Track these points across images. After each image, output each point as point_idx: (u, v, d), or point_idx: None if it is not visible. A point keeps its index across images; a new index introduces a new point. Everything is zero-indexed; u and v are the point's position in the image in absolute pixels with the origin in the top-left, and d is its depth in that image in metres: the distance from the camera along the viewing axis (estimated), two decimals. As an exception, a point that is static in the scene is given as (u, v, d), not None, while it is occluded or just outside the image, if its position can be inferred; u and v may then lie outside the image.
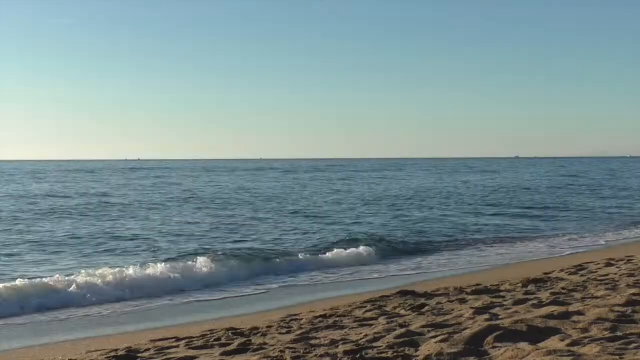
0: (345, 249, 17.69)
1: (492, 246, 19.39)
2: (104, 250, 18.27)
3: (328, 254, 17.00)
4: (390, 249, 18.49)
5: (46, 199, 37.94)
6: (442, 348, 6.02)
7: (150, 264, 14.49)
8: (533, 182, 57.31)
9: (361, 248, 17.77)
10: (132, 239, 20.28)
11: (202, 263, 14.86)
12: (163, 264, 14.51)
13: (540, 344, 6.02)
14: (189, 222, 25.25)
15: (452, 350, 5.95)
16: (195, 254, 16.02)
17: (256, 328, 8.36)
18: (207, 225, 24.09)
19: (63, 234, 21.36)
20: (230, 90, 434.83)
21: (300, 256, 16.63)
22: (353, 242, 18.87)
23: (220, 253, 16.14)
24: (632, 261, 13.23)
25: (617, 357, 5.43)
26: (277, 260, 16.06)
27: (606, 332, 6.32)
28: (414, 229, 23.12)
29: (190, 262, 14.91)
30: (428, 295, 10.19)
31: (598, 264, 13.23)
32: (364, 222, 25.62)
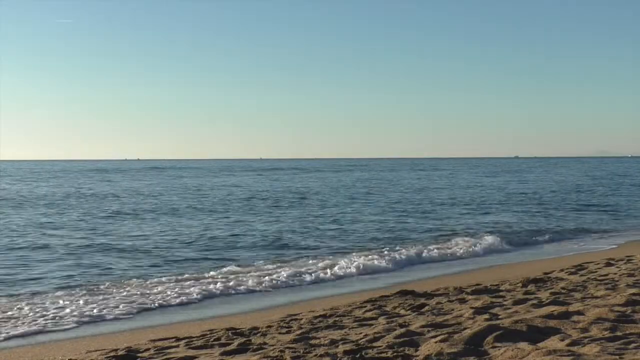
0: (474, 238, 19.72)
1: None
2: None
3: (462, 244, 18.62)
4: (517, 239, 20.03)
5: (146, 198, 39.69)
6: (442, 348, 6.01)
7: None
8: (588, 182, 58.67)
9: (490, 238, 19.56)
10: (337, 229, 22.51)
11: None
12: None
13: (540, 344, 6.02)
14: (338, 219, 26.68)
15: (452, 350, 5.94)
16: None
17: (256, 328, 8.36)
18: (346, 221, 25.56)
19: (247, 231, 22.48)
20: (229, 90, 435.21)
21: (432, 247, 18.05)
22: (479, 233, 20.94)
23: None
24: (632, 261, 13.24)
25: (617, 357, 5.43)
26: (425, 251, 17.44)
27: (606, 332, 6.32)
28: (531, 222, 24.99)
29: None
30: (428, 295, 10.19)
31: (598, 264, 13.23)
32: (479, 215, 28.01)
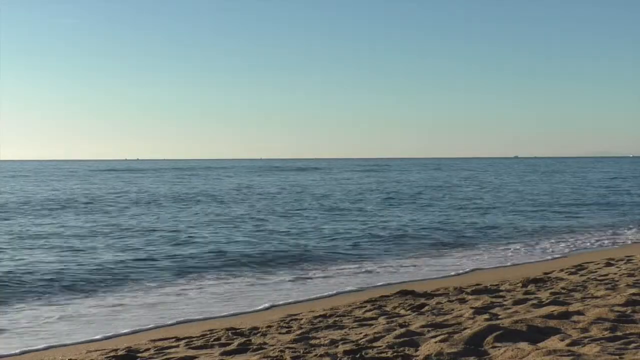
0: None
1: None
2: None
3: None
4: None
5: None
6: (442, 348, 6.02)
7: None
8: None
9: None
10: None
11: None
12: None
13: (540, 344, 6.02)
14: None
15: (452, 350, 5.94)
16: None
17: (256, 328, 8.35)
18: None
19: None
20: (229, 90, 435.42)
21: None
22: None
23: None
24: (632, 261, 13.23)
25: (617, 357, 5.43)
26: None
27: (606, 332, 6.32)
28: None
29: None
30: (428, 295, 10.19)
31: (598, 264, 13.23)
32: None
